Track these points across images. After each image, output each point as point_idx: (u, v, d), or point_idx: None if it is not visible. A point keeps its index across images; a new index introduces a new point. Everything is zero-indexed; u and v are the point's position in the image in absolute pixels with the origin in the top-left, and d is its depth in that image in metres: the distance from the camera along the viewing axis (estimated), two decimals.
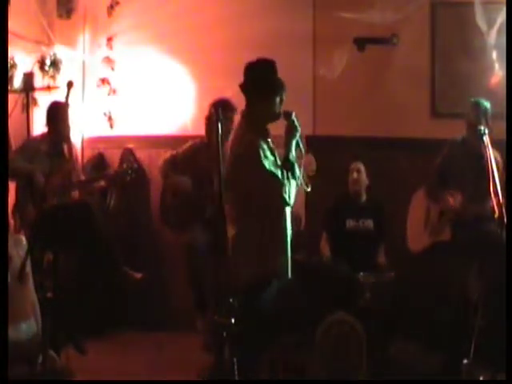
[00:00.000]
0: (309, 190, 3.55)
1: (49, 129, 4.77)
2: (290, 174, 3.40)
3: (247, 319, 3.22)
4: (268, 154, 3.44)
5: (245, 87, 3.52)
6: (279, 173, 3.39)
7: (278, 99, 3.49)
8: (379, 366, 4.10)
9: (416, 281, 4.79)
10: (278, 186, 3.37)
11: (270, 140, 3.54)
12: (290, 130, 3.46)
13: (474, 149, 4.30)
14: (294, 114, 3.44)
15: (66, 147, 4.80)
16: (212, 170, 4.48)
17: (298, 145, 3.47)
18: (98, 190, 5.07)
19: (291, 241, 3.55)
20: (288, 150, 3.43)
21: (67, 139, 4.86)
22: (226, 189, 3.11)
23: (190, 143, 4.85)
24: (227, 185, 3.21)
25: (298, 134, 3.44)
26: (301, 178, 3.46)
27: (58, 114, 4.64)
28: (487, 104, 4.44)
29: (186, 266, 4.62)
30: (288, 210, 3.53)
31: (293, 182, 3.43)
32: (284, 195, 3.39)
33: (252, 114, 3.52)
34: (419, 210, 4.66)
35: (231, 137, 3.67)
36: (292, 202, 3.47)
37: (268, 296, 3.49)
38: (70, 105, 4.39)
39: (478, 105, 4.44)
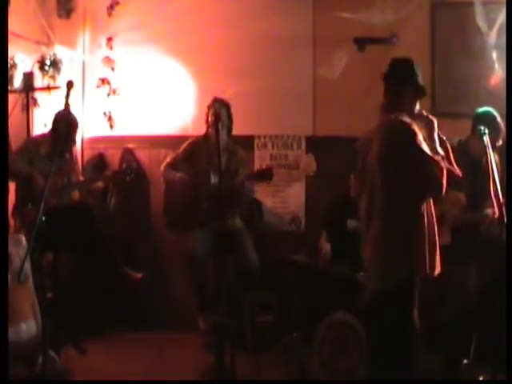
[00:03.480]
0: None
1: (53, 133, 4.75)
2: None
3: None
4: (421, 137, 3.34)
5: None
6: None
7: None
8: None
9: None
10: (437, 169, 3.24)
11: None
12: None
13: (474, 153, 4.29)
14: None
15: (67, 147, 4.80)
16: (212, 166, 4.49)
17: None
18: (98, 190, 5.06)
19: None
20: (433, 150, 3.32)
21: (70, 147, 4.87)
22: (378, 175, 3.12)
23: (187, 142, 4.84)
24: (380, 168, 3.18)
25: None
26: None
27: (63, 122, 4.63)
28: (498, 116, 4.35)
29: (187, 271, 4.62)
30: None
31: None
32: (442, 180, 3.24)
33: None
34: None
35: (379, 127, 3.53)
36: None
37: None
38: (70, 105, 4.39)
39: (488, 115, 4.36)
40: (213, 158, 4.50)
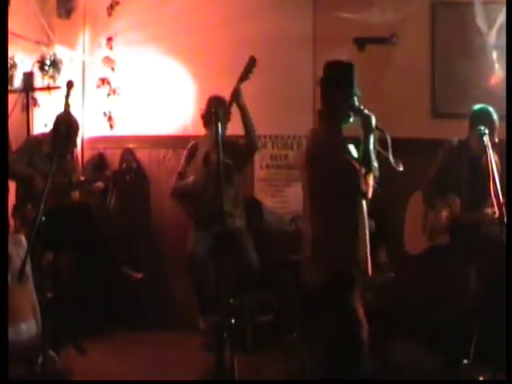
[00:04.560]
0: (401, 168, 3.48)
1: (53, 134, 4.74)
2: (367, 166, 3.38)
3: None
4: (345, 145, 3.46)
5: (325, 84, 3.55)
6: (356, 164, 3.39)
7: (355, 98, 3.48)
8: (379, 366, 4.10)
9: (416, 281, 4.80)
10: (356, 175, 3.37)
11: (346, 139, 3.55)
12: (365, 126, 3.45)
13: (474, 152, 4.29)
14: (366, 111, 3.43)
15: (67, 149, 4.80)
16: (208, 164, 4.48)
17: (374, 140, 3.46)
18: (98, 190, 5.06)
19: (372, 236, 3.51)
20: (365, 148, 3.40)
21: (71, 148, 4.87)
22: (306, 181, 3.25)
23: (186, 150, 4.82)
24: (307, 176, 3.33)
25: (371, 129, 3.41)
26: (376, 169, 3.42)
27: (64, 124, 4.62)
28: (493, 113, 4.36)
29: (187, 271, 4.62)
30: (364, 203, 3.49)
31: (370, 175, 3.41)
32: (360, 186, 3.38)
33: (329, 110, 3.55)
34: (417, 211, 4.65)
35: (309, 136, 3.64)
36: (369, 194, 3.45)
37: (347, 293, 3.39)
38: (70, 105, 4.40)
39: (485, 112, 4.36)
40: (210, 155, 4.49)
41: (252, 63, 4.36)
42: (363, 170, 3.36)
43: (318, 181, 3.41)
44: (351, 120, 3.52)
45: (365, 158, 3.37)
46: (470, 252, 4.17)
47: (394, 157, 3.40)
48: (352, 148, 3.49)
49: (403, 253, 4.71)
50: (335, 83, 3.50)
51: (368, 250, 3.45)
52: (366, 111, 3.41)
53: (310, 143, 3.56)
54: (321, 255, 3.40)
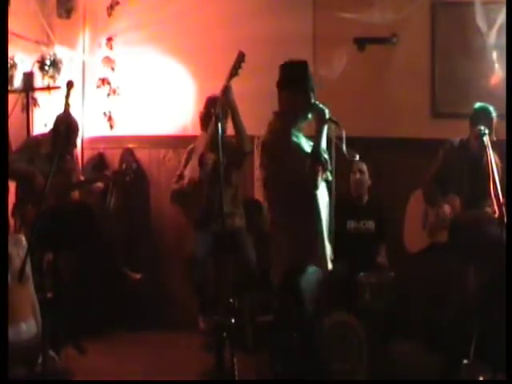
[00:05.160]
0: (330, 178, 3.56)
1: (53, 135, 4.74)
2: (319, 164, 3.44)
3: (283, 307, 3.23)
4: (298, 141, 3.49)
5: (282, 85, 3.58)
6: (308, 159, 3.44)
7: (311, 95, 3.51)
8: (379, 366, 4.10)
9: (416, 281, 4.79)
10: (303, 167, 3.42)
11: (303, 135, 3.59)
12: (318, 119, 3.49)
13: (474, 152, 4.29)
14: (320, 105, 3.46)
15: (67, 149, 4.80)
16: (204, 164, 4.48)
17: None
18: (98, 190, 5.06)
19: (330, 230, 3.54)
20: (317, 140, 3.46)
21: (71, 148, 4.87)
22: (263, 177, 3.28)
23: (185, 153, 4.81)
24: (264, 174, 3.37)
25: (325, 125, 3.45)
26: (327, 161, 3.49)
27: (64, 125, 4.62)
28: (492, 111, 4.37)
29: (187, 271, 4.61)
30: (320, 197, 3.51)
31: (321, 172, 3.47)
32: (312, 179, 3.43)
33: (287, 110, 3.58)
34: (417, 210, 4.66)
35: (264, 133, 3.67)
36: (318, 187, 3.48)
37: (303, 284, 3.45)
38: (70, 105, 4.40)
39: (484, 111, 4.38)
40: (205, 156, 4.47)
41: (241, 58, 4.30)
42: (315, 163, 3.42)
43: (270, 172, 3.43)
44: (309, 117, 3.54)
45: (316, 151, 3.41)
46: (470, 252, 4.17)
47: (347, 151, 3.46)
48: (305, 142, 3.52)
49: (404, 252, 4.71)
50: (290, 83, 3.52)
51: (326, 245, 3.47)
52: (320, 105, 3.46)
53: (264, 135, 3.62)
54: (277, 252, 3.41)
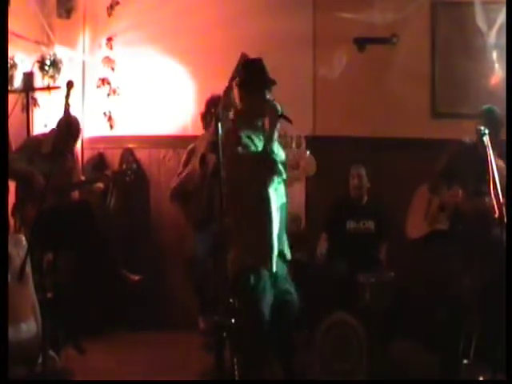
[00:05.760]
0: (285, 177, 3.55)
1: (54, 135, 4.74)
2: (268, 163, 3.41)
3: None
4: (250, 140, 3.46)
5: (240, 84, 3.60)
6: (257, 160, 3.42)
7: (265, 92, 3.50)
8: (379, 366, 4.10)
9: (415, 280, 4.79)
10: (256, 172, 3.41)
11: (260, 135, 3.54)
12: (270, 114, 3.48)
13: (482, 152, 4.29)
14: (273, 101, 3.46)
15: (67, 149, 4.80)
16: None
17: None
18: (98, 191, 5.06)
19: (280, 234, 3.49)
20: (267, 138, 3.44)
21: (71, 148, 4.87)
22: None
23: (185, 154, 4.80)
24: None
25: (277, 118, 3.44)
26: (281, 168, 3.47)
27: (65, 127, 4.62)
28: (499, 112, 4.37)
29: (186, 271, 4.61)
30: (272, 198, 3.48)
31: (269, 172, 3.43)
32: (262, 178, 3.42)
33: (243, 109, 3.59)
34: (421, 201, 4.66)
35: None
36: (269, 186, 3.45)
37: (251, 286, 3.43)
38: (70, 105, 4.39)
39: (492, 113, 4.39)
40: (206, 156, 4.48)
41: (244, 60, 4.32)
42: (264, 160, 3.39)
43: (226, 173, 3.41)
44: (265, 114, 3.53)
45: (266, 148, 3.40)
46: (468, 243, 4.18)
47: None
48: (260, 141, 3.49)
49: (404, 252, 4.72)
50: (246, 82, 3.55)
51: (274, 245, 3.43)
52: (273, 101, 3.45)
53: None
54: (233, 250, 3.42)
